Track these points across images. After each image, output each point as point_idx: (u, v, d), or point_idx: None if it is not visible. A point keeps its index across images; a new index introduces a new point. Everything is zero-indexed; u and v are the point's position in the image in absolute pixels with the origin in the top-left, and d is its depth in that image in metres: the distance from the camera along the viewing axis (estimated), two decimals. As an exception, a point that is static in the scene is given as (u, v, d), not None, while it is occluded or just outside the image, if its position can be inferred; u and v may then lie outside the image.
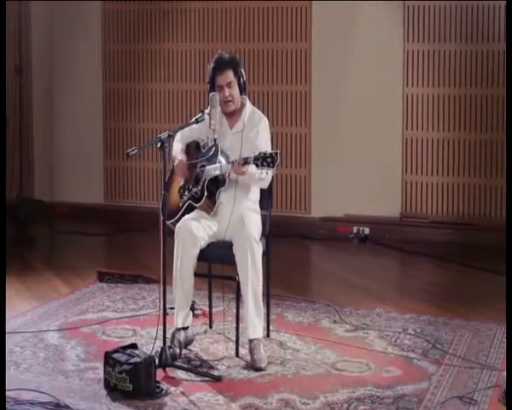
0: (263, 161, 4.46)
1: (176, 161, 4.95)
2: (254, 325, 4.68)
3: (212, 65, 4.89)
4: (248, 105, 5.00)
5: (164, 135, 4.43)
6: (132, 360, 4.21)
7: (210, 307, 5.31)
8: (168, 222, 4.82)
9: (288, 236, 7.66)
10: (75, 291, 6.11)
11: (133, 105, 8.73)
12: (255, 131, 4.90)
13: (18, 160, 8.46)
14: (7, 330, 5.11)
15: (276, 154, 4.45)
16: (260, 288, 4.70)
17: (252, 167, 4.65)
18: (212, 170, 4.75)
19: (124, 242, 7.89)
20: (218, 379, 4.43)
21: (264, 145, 4.81)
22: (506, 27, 7.11)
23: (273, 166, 4.45)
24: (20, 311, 5.60)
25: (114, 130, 8.83)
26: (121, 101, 8.77)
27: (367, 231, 7.84)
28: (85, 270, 6.66)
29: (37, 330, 5.19)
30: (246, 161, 4.56)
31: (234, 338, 4.84)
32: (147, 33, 8.59)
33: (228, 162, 4.73)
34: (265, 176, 4.67)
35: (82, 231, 8.09)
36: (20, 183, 8.45)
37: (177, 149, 4.97)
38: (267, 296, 5.06)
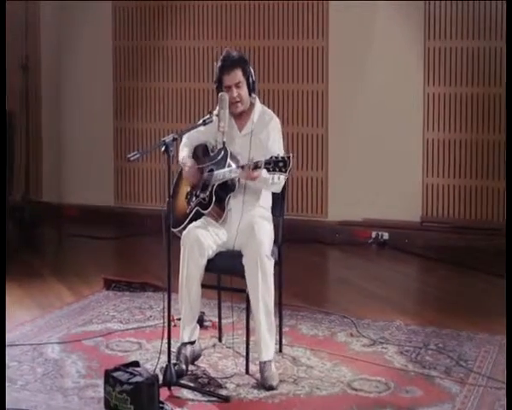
0: (274, 165, 4.16)
1: (186, 167, 4.65)
2: (266, 344, 4.38)
3: (219, 64, 4.59)
4: (258, 105, 4.70)
5: (168, 138, 4.15)
6: (134, 380, 3.92)
7: (219, 319, 5.02)
8: (175, 230, 4.55)
9: (303, 241, 7.41)
10: (80, 300, 5.84)
11: (144, 104, 8.47)
12: (265, 132, 4.60)
13: (24, 160, 8.23)
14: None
15: (289, 158, 4.14)
16: (272, 303, 4.39)
17: (265, 172, 4.37)
18: (221, 175, 4.45)
19: (133, 246, 7.61)
20: (226, 400, 4.15)
21: (276, 147, 4.51)
22: (506, 28, 6.81)
23: (285, 172, 4.15)
24: (20, 321, 5.34)
25: (125, 130, 8.57)
26: (132, 100, 8.51)
27: (386, 236, 7.55)
28: (92, 276, 6.39)
29: (37, 343, 4.91)
30: (256, 166, 4.25)
31: (244, 353, 4.56)
32: (158, 30, 8.33)
33: (238, 166, 4.43)
34: (277, 181, 4.37)
35: (90, 235, 7.83)
36: (26, 184, 8.23)
37: (185, 154, 4.68)
38: (279, 308, 4.78)
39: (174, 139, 4.18)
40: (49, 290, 6.11)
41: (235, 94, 4.53)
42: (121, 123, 8.57)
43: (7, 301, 5.69)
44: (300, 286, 6.10)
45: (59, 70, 8.69)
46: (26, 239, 7.60)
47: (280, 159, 4.16)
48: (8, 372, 4.44)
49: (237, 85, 4.53)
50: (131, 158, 4.08)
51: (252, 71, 4.59)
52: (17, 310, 5.60)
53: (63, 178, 8.78)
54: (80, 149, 8.67)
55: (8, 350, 4.73)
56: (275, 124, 4.64)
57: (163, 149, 4.12)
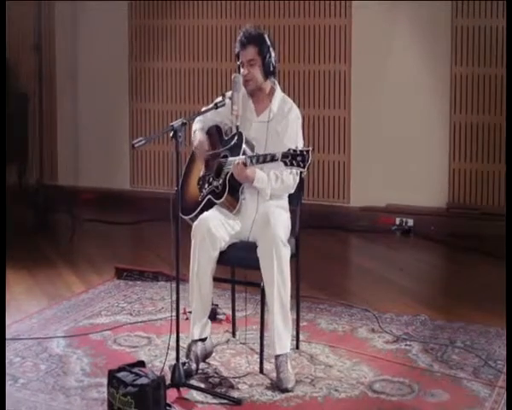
0: (292, 159, 3.88)
1: (195, 142, 4.40)
2: (281, 338, 4.12)
3: (237, 38, 4.37)
4: (278, 92, 4.43)
5: (177, 123, 3.88)
6: (139, 381, 3.67)
7: (233, 313, 4.76)
8: (185, 217, 4.31)
9: (324, 227, 7.19)
10: (89, 290, 5.61)
11: (161, 85, 8.22)
12: (284, 123, 4.34)
13: (38, 143, 7.99)
14: (9, 335, 4.63)
15: (308, 151, 3.86)
16: (288, 296, 4.13)
17: (262, 173, 4.15)
18: (232, 164, 4.19)
19: (148, 232, 7.35)
20: (237, 402, 3.89)
21: (293, 141, 4.22)
22: (506, 27, 6.56)
23: (303, 166, 3.87)
24: (27, 312, 5.12)
25: (141, 111, 8.33)
26: (148, 80, 8.25)
27: (411, 222, 7.26)
28: (103, 264, 6.19)
29: (42, 337, 4.68)
30: (273, 158, 3.99)
31: (258, 349, 4.29)
32: (176, 8, 8.05)
33: (250, 156, 4.16)
34: (287, 180, 4.07)
35: (105, 220, 7.62)
36: (41, 167, 8.00)
37: (197, 129, 4.42)
38: (297, 302, 4.52)
39: (183, 124, 3.91)
40: (58, 279, 5.90)
41: (245, 72, 4.31)
42: (137, 104, 8.33)
43: (16, 291, 5.53)
44: (319, 276, 5.86)
45: (73, 51, 8.46)
46: (40, 224, 7.37)
47: (298, 152, 3.89)
48: (10, 369, 4.23)
49: (249, 63, 4.31)
50: (136, 145, 3.81)
51: (271, 53, 4.32)
52: (25, 300, 5.40)
53: (78, 161, 8.57)
54: (95, 131, 8.44)
55: (12, 344, 4.55)
56: (294, 115, 4.38)
57: (171, 134, 3.86)
